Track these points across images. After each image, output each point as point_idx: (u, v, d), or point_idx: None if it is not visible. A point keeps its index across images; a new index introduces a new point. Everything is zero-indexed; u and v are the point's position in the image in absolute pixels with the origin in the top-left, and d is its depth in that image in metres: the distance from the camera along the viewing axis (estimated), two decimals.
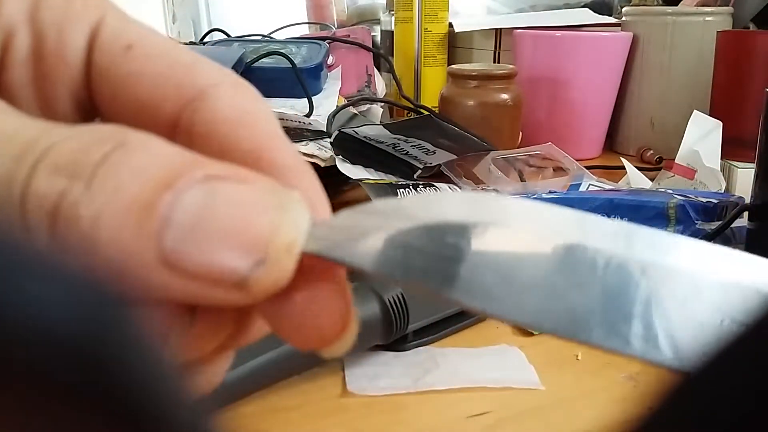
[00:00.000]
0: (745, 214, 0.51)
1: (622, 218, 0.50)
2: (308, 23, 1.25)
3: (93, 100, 0.16)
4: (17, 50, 0.15)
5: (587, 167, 0.69)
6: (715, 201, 0.52)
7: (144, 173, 0.11)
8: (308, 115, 0.74)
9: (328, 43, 0.91)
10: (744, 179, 0.64)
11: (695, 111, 0.70)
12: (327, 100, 0.81)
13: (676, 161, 0.68)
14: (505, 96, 0.77)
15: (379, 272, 0.13)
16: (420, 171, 0.71)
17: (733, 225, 0.50)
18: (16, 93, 0.15)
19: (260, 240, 0.11)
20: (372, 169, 0.66)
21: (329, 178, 0.66)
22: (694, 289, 0.12)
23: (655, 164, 0.82)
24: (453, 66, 0.80)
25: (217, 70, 0.15)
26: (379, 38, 1.09)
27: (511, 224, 0.13)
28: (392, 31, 0.99)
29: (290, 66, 0.79)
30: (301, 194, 0.13)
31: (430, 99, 0.93)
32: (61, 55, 0.15)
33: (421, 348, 0.40)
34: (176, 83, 0.15)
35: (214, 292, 0.11)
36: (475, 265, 0.12)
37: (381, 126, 0.66)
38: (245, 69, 0.80)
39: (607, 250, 0.13)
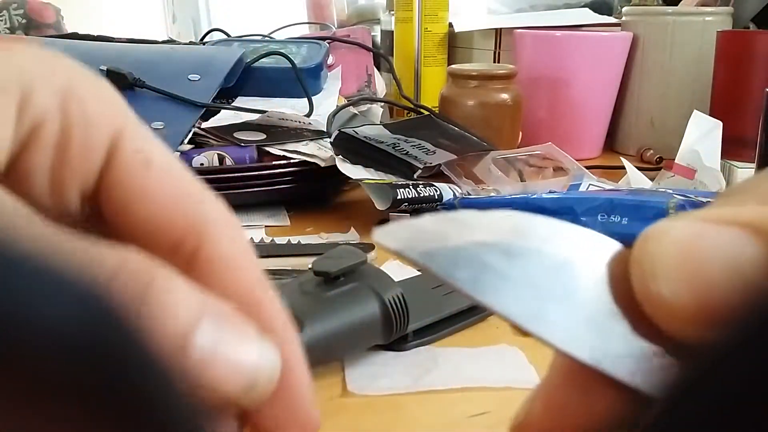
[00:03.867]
0: None
1: (622, 218, 0.50)
2: (308, 23, 1.26)
3: (98, 196, 0.17)
4: (47, 137, 0.16)
5: (587, 167, 0.69)
6: None
7: (177, 313, 0.14)
8: (308, 115, 0.74)
9: (328, 43, 0.91)
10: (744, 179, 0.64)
11: (695, 111, 0.70)
12: (327, 100, 0.81)
13: (676, 161, 0.68)
14: (505, 96, 0.77)
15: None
16: (420, 171, 0.71)
17: None
18: (32, 175, 0.16)
19: (250, 373, 0.15)
20: (372, 169, 0.66)
21: (329, 178, 0.66)
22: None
23: (655, 164, 0.83)
24: (453, 66, 0.80)
25: (218, 207, 0.18)
26: (379, 38, 1.09)
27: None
28: (392, 31, 0.99)
29: (290, 66, 0.79)
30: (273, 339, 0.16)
31: (430, 99, 0.93)
32: (86, 151, 0.16)
33: (421, 348, 0.40)
34: (186, 212, 0.17)
35: (217, 397, 0.15)
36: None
37: (381, 126, 0.66)
38: (245, 69, 0.80)
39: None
